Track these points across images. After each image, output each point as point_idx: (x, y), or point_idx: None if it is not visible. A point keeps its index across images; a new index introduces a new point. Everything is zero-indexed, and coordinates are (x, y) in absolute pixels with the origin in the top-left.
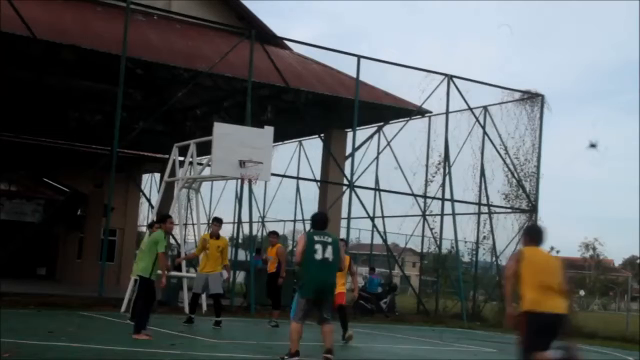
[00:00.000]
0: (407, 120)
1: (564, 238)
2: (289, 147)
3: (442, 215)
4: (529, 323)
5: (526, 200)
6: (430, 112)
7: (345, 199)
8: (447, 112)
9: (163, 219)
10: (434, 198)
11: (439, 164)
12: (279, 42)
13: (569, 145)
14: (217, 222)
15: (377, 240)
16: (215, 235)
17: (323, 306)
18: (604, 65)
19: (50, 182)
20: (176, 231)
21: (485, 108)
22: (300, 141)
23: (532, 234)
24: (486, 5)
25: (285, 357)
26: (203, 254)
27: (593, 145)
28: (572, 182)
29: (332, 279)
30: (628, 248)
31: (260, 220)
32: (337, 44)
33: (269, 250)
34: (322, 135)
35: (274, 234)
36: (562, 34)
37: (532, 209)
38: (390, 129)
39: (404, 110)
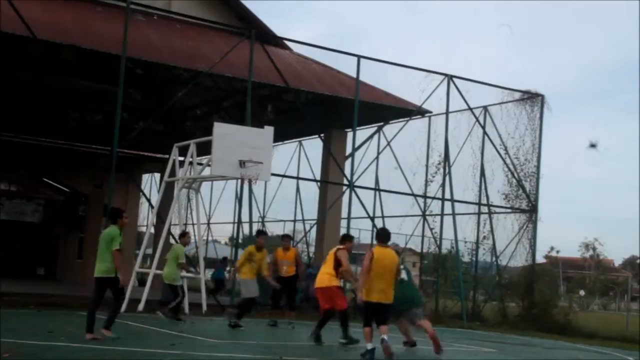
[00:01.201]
0: (407, 120)
1: (564, 238)
2: (289, 147)
3: (442, 215)
4: (368, 308)
5: (526, 200)
6: (430, 112)
7: (345, 199)
8: (447, 112)
9: (118, 213)
10: (434, 198)
11: (439, 164)
12: (279, 42)
13: (569, 145)
14: (264, 235)
15: None
16: (260, 248)
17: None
18: (604, 65)
19: (50, 182)
20: (176, 231)
21: (485, 108)
22: (300, 141)
23: (380, 236)
24: (486, 5)
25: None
26: (248, 264)
27: (593, 145)
28: (572, 182)
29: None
30: (628, 248)
31: (260, 220)
32: (337, 44)
33: (279, 252)
34: (322, 135)
35: (287, 237)
36: (562, 34)
37: (532, 209)
38: (390, 129)
39: (404, 110)
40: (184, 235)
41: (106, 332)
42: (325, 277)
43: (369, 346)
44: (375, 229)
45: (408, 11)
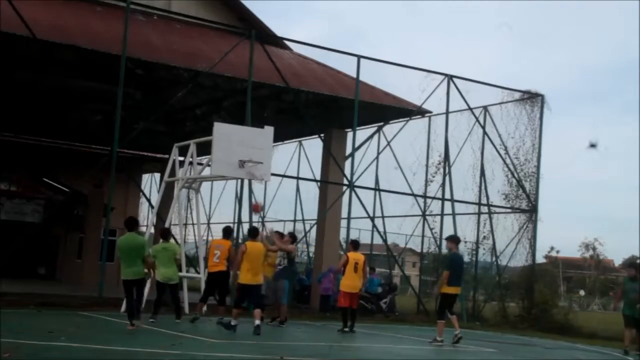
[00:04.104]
0: (407, 120)
1: (564, 238)
2: (289, 147)
3: (442, 215)
4: (240, 289)
5: (526, 200)
6: (430, 112)
7: (345, 199)
8: (447, 112)
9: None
10: (434, 198)
11: (439, 164)
12: (279, 42)
13: (569, 145)
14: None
15: (377, 240)
16: None
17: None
18: (604, 65)
19: (50, 182)
20: (176, 231)
21: (485, 108)
22: (300, 141)
23: (252, 233)
24: (486, 5)
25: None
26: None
27: (593, 145)
28: (572, 182)
29: None
30: (628, 248)
31: (260, 220)
32: (337, 45)
33: None
34: (322, 135)
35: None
36: (562, 34)
37: (532, 209)
38: (390, 129)
39: (404, 110)
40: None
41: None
42: (359, 283)
43: (234, 322)
44: (376, 229)
45: (408, 11)
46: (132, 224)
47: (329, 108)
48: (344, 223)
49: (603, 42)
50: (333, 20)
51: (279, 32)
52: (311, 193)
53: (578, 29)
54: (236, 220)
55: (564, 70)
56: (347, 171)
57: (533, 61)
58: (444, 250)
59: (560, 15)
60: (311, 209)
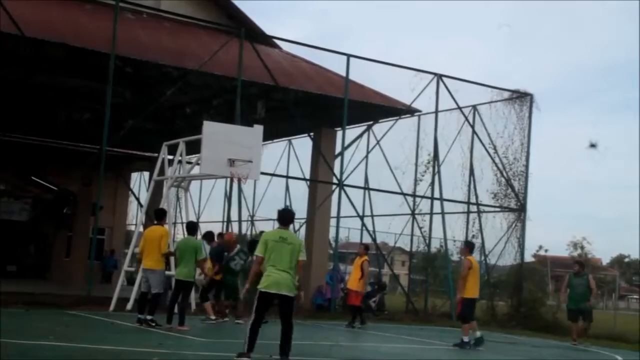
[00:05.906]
0: (397, 119)
1: (552, 237)
2: (278, 146)
3: (431, 214)
4: (472, 303)
5: (515, 199)
6: (420, 111)
7: (334, 197)
8: (436, 111)
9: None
10: (423, 197)
11: (428, 162)
12: (268, 40)
13: (556, 145)
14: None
15: (367, 239)
16: None
17: None
18: (595, 65)
19: (39, 180)
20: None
21: (474, 107)
22: (289, 140)
23: (469, 246)
24: (476, 4)
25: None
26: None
27: (593, 145)
28: (562, 181)
29: None
30: (616, 247)
31: (250, 219)
32: (326, 43)
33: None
34: (311, 134)
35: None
36: (551, 32)
37: (521, 208)
38: (379, 127)
39: (394, 109)
40: None
41: (182, 327)
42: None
43: (479, 333)
44: (364, 228)
45: (395, 11)
46: (191, 228)
47: (319, 107)
48: (333, 222)
49: (596, 41)
50: (317, 21)
51: (267, 31)
52: (300, 192)
53: (570, 29)
54: (225, 219)
55: (553, 70)
56: (337, 170)
57: (523, 60)
58: (433, 249)
59: (552, 14)
60: (301, 208)
